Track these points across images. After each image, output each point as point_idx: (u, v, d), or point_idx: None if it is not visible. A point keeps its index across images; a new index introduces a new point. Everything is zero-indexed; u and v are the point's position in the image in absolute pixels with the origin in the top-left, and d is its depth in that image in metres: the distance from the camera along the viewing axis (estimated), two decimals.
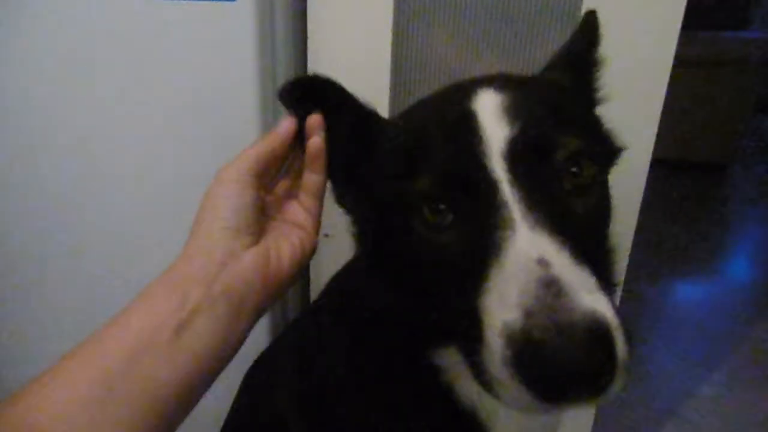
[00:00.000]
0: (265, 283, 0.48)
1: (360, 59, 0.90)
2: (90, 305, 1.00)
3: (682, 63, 0.82)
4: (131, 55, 0.87)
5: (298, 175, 0.57)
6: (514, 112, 0.44)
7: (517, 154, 0.42)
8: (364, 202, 0.54)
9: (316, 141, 0.54)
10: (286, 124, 0.55)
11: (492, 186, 0.41)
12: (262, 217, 0.52)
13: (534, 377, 0.34)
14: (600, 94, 0.59)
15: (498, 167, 0.42)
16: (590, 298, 0.35)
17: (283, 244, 0.52)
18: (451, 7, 0.87)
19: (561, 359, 0.33)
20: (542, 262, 0.36)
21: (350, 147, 0.55)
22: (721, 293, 2.08)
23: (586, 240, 0.41)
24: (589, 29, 0.59)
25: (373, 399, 0.58)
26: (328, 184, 0.58)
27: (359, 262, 0.61)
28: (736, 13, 3.78)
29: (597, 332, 0.34)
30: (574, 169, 0.44)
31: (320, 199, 0.57)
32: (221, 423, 0.79)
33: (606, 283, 0.40)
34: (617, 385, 0.35)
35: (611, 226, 0.50)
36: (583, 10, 0.82)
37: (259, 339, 0.90)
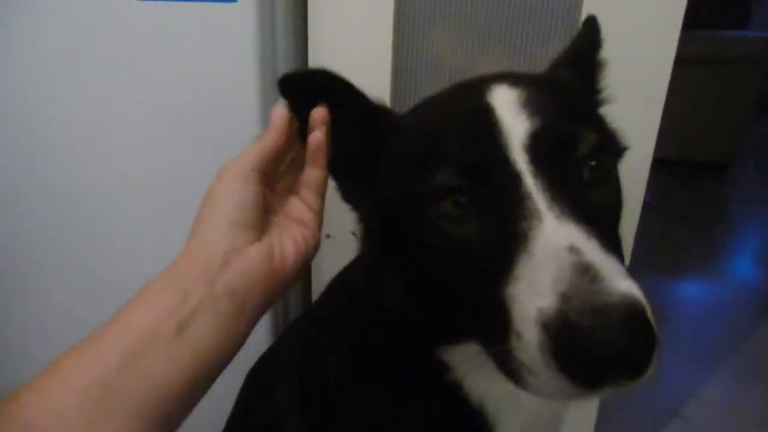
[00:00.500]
0: (269, 279, 0.48)
1: (361, 60, 0.90)
2: (90, 305, 0.99)
3: (682, 62, 0.82)
4: (132, 56, 0.87)
5: (300, 171, 0.56)
6: (532, 106, 0.45)
7: (539, 147, 0.43)
8: (373, 199, 0.54)
9: (317, 135, 0.53)
10: (278, 112, 0.53)
11: (515, 177, 0.41)
12: (264, 213, 0.51)
13: (574, 361, 0.34)
14: (603, 95, 0.60)
15: (520, 159, 0.42)
16: (625, 282, 0.35)
17: (287, 241, 0.51)
18: (451, 7, 0.87)
19: (601, 341, 0.33)
20: (573, 250, 0.37)
21: (358, 143, 0.54)
22: (721, 293, 2.08)
23: (605, 230, 0.41)
24: (590, 33, 0.59)
25: (374, 399, 0.57)
26: (331, 182, 0.57)
27: (361, 262, 0.61)
28: (737, 11, 3.79)
29: (635, 314, 0.34)
30: (592, 162, 0.45)
31: (321, 195, 0.56)
32: (222, 424, 0.79)
33: None
34: (652, 369, 0.35)
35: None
36: (584, 10, 0.83)
37: (259, 339, 0.90)
